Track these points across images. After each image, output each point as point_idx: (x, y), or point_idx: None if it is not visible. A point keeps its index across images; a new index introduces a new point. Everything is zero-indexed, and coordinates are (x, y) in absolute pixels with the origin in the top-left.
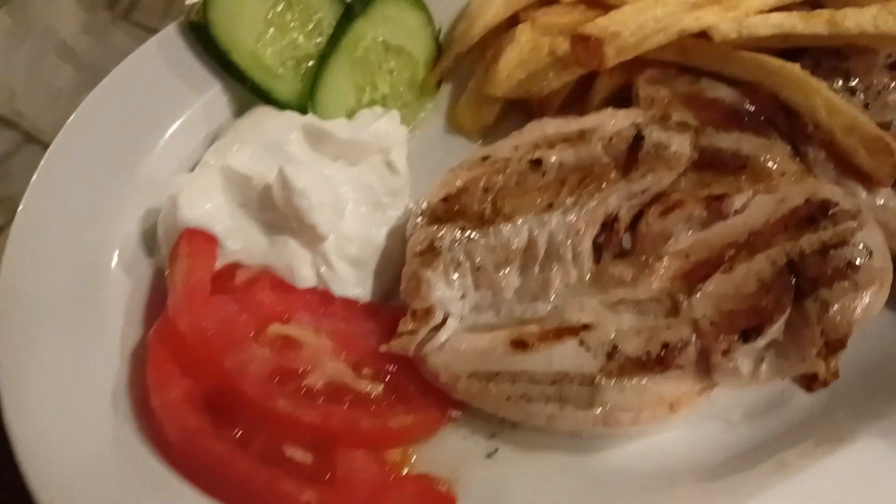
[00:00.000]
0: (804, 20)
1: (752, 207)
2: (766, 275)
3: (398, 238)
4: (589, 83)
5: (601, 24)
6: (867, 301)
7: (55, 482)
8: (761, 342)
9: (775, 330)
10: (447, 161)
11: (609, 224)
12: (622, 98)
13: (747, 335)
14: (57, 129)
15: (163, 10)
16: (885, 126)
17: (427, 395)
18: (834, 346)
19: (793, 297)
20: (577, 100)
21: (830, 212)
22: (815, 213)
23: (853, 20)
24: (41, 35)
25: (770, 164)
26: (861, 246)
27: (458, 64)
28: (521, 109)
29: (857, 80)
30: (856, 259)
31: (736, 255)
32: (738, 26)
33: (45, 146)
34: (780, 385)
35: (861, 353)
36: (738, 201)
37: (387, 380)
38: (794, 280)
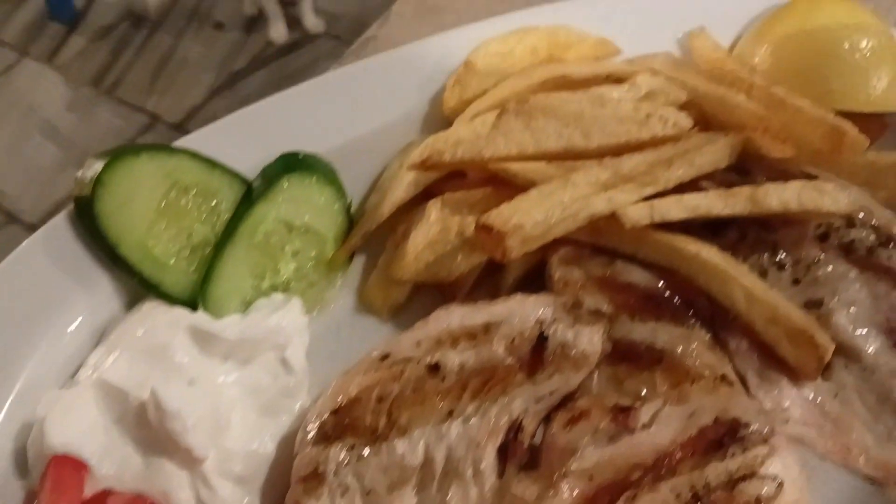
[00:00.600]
0: (722, 199)
1: (660, 421)
2: None
3: (290, 447)
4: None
5: (504, 215)
6: None
7: None
8: None
9: None
10: (358, 342)
11: (514, 430)
12: (536, 275)
13: None
14: (38, 208)
15: (147, 86)
16: (817, 304)
17: None
18: None
19: None
20: (490, 275)
21: (740, 434)
22: (724, 437)
23: (776, 197)
24: (24, 113)
25: (686, 358)
26: (771, 477)
27: (368, 239)
28: (433, 286)
29: (785, 254)
30: (765, 494)
31: (641, 480)
32: (651, 211)
33: (26, 226)
34: None
35: None
36: (644, 414)
37: None
38: None
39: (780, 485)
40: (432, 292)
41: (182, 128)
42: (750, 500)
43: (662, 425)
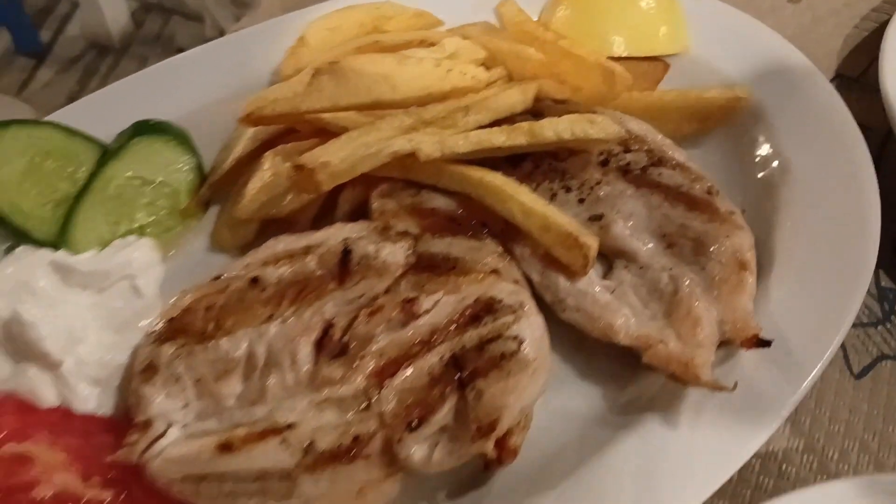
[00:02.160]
0: (505, 133)
1: (438, 307)
2: (434, 370)
3: None
4: (336, 198)
5: (315, 155)
6: (518, 387)
7: None
8: (426, 430)
9: (440, 419)
10: (211, 275)
11: (327, 329)
12: (366, 210)
13: (411, 425)
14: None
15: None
16: (599, 217)
17: (153, 497)
18: (485, 429)
19: (457, 387)
20: (328, 213)
21: (494, 308)
22: (481, 311)
23: (550, 129)
24: None
25: (475, 263)
26: (514, 338)
27: (215, 190)
28: (278, 225)
29: (572, 179)
30: (507, 350)
31: (419, 352)
32: (441, 146)
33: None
34: None
35: None
36: (426, 302)
37: (116, 486)
38: (458, 373)
39: (520, 342)
40: (277, 230)
41: None
42: (495, 356)
43: (440, 310)
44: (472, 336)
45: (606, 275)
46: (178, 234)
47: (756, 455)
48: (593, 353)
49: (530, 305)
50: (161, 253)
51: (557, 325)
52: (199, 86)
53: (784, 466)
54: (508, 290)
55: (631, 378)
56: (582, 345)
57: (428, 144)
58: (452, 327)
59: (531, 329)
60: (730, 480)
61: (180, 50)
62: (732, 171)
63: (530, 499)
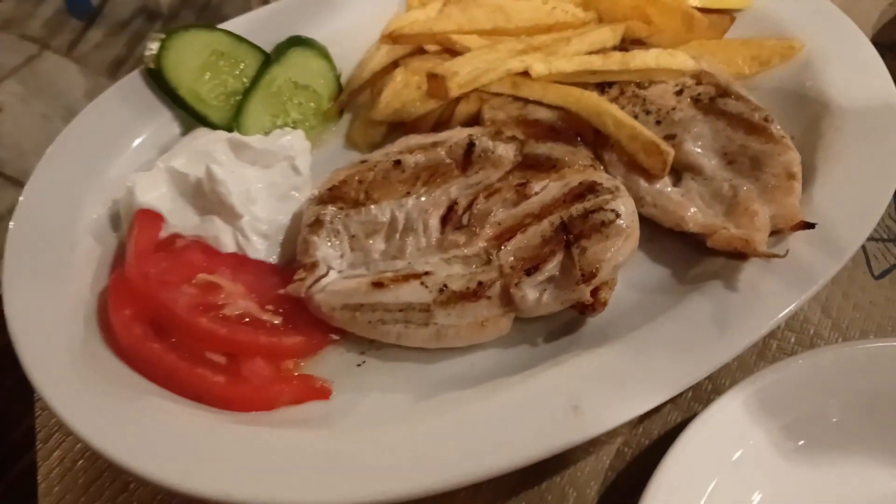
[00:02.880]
0: (601, 59)
1: (546, 190)
2: (546, 233)
3: (299, 220)
4: (452, 110)
5: (446, 66)
6: (614, 247)
7: (43, 368)
8: (539, 277)
9: (551, 268)
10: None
11: (451, 206)
12: (476, 122)
13: (529, 272)
14: None
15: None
16: (671, 137)
17: (314, 324)
18: (588, 276)
19: (564, 247)
20: (444, 123)
21: (596, 188)
22: (585, 190)
23: (640, 58)
24: (49, 100)
25: (572, 163)
26: (612, 210)
27: (353, 98)
28: (401, 130)
29: (651, 104)
30: (607, 219)
31: (531, 222)
32: (549, 66)
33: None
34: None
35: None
36: (536, 186)
37: (284, 314)
38: (566, 235)
39: (618, 214)
40: (402, 134)
41: None
42: (597, 223)
43: (548, 192)
44: (578, 208)
45: (676, 184)
46: (319, 132)
47: (790, 328)
48: (665, 242)
49: (623, 188)
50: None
51: None
52: (340, 10)
53: (814, 340)
54: (606, 177)
55: (695, 260)
56: (655, 235)
57: (539, 64)
58: (560, 202)
59: (625, 205)
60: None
61: (225, 19)
62: (784, 105)
63: (614, 341)
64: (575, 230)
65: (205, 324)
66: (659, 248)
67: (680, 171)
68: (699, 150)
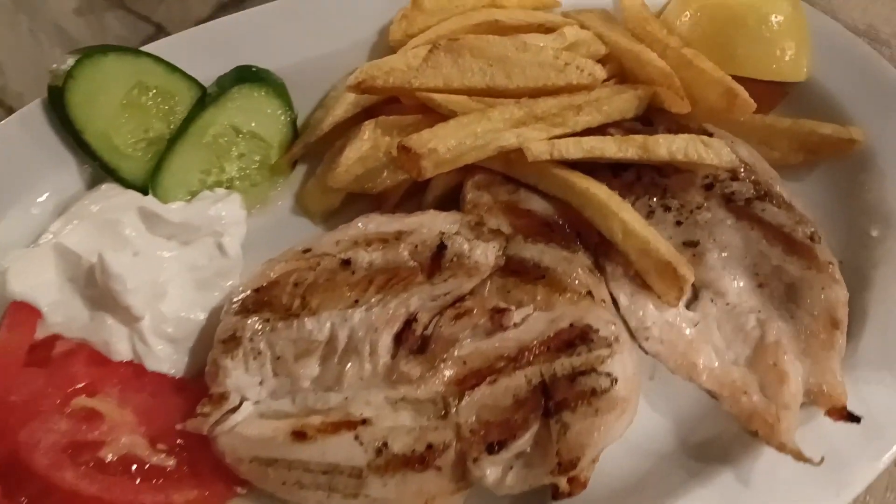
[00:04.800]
0: (617, 144)
1: (528, 323)
2: (521, 392)
3: (218, 318)
4: (428, 180)
5: (423, 138)
6: (603, 426)
7: None
8: (505, 455)
9: (520, 444)
10: (292, 239)
11: (409, 322)
12: (457, 195)
13: (492, 447)
14: None
15: None
16: (694, 244)
17: (217, 471)
18: (566, 466)
19: (542, 414)
20: (418, 192)
21: (589, 337)
22: (575, 339)
23: (665, 147)
24: (36, 14)
25: (565, 276)
26: (607, 374)
27: (309, 150)
28: (366, 197)
29: (672, 198)
30: (600, 386)
31: (503, 368)
32: (551, 148)
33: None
34: None
35: None
36: (517, 316)
37: (181, 455)
38: (545, 401)
39: (614, 381)
40: (363, 204)
41: None
42: (586, 391)
43: (529, 326)
44: (563, 364)
45: (691, 304)
46: (263, 190)
47: None
48: (668, 382)
49: (626, 340)
50: (246, 209)
51: None
52: (302, 36)
53: None
54: (605, 319)
55: (703, 417)
56: (656, 372)
57: (538, 145)
58: (543, 349)
59: (625, 367)
60: None
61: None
62: (832, 212)
63: None
64: (557, 396)
65: (70, 478)
66: (661, 390)
67: (697, 287)
68: (724, 265)
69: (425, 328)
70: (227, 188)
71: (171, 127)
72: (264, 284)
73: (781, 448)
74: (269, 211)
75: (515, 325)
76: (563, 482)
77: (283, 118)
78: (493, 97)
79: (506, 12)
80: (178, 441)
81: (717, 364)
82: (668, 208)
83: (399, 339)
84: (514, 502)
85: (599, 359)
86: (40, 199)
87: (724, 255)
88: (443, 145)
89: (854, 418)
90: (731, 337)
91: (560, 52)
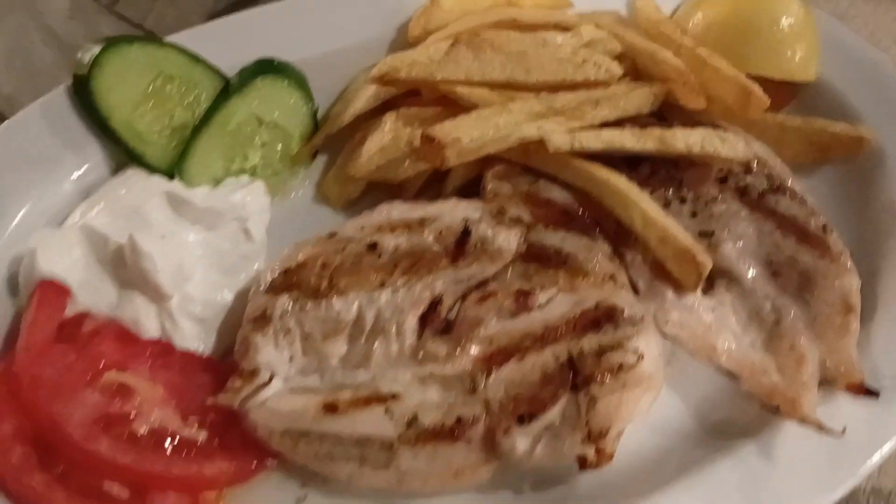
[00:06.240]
0: (635, 137)
1: (553, 304)
2: (549, 367)
3: (244, 299)
4: (447, 170)
5: (446, 129)
6: (631, 401)
7: None
8: (535, 427)
9: (549, 417)
10: (313, 227)
11: (434, 304)
12: (475, 186)
13: (522, 419)
14: None
15: (149, 3)
16: (709, 234)
17: (247, 444)
18: (595, 436)
19: (570, 389)
20: (435, 183)
21: (615, 317)
22: (601, 318)
23: (682, 140)
24: (27, 15)
25: (586, 262)
26: (633, 350)
27: (329, 141)
28: (385, 187)
29: (688, 190)
30: (627, 362)
31: (530, 346)
32: (571, 139)
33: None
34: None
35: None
36: (542, 297)
37: (211, 427)
38: (573, 376)
39: (640, 357)
40: (383, 193)
41: None
42: (613, 366)
43: (554, 307)
44: (591, 341)
45: (707, 292)
46: (284, 179)
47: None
48: (687, 366)
49: (650, 321)
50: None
51: None
52: (323, 30)
53: None
54: (630, 301)
55: (724, 397)
56: (674, 357)
57: (559, 136)
58: (569, 328)
59: (651, 345)
60: None
61: None
62: (843, 209)
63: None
64: (585, 371)
65: (104, 449)
66: (679, 373)
67: (713, 275)
68: (739, 255)
69: (450, 310)
70: (251, 176)
71: (195, 115)
72: (293, 266)
73: (803, 421)
74: (291, 201)
75: (540, 306)
76: (591, 452)
77: (304, 109)
78: (512, 91)
79: (523, 11)
80: (209, 417)
81: (735, 347)
82: (683, 200)
83: (424, 320)
84: (536, 487)
85: (627, 336)
86: (66, 183)
87: (738, 245)
88: (466, 135)
89: (872, 393)
90: (747, 322)
91: (577, 49)
